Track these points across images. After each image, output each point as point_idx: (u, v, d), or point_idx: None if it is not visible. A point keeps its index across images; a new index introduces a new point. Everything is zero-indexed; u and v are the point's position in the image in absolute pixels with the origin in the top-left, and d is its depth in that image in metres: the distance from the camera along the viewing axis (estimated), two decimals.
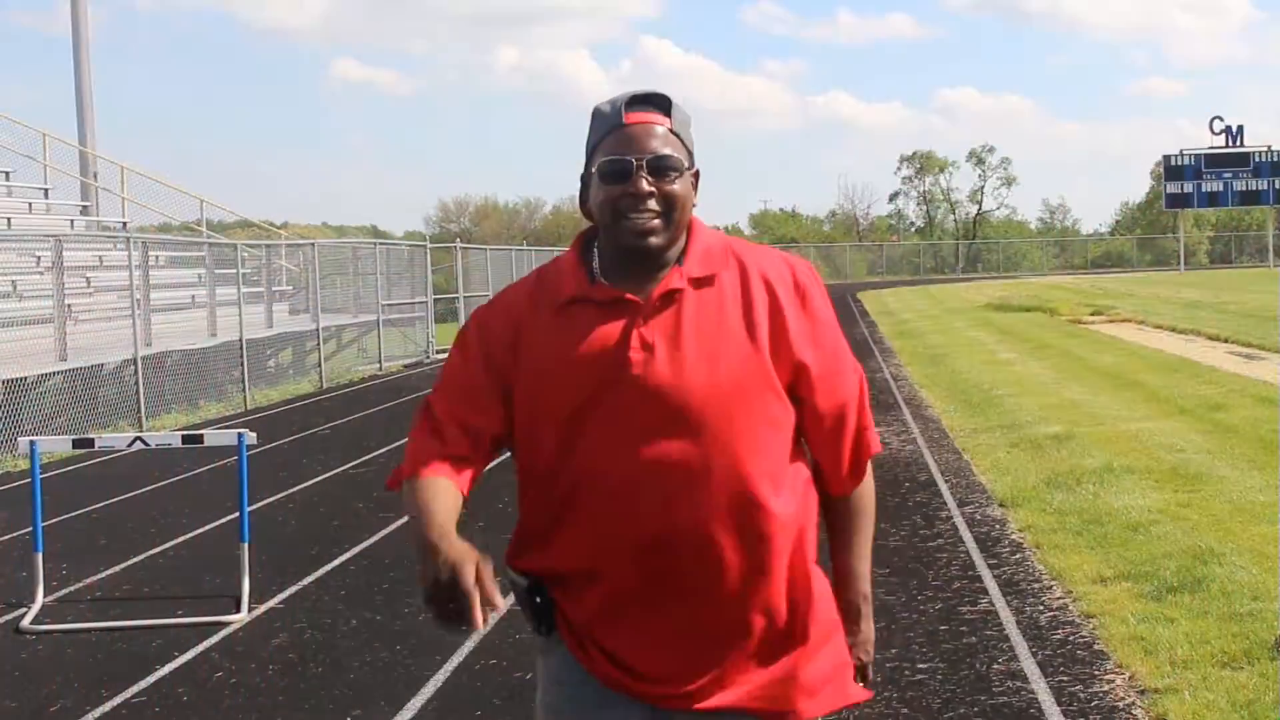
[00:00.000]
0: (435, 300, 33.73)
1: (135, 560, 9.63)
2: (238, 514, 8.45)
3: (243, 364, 21.61)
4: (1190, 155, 75.91)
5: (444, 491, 2.80)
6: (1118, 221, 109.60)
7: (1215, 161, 75.33)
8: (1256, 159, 75.44)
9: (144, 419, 18.21)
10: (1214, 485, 10.38)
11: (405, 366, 28.49)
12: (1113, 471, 11.05)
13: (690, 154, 2.83)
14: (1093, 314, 34.81)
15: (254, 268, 27.15)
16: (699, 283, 2.78)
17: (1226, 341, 24.07)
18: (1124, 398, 16.51)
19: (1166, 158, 77.25)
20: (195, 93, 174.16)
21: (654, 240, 2.74)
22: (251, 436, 8.30)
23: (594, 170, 2.80)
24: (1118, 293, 46.50)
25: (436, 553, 2.61)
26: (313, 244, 28.27)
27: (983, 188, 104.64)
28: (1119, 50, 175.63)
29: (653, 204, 2.73)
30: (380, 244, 31.53)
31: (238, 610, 8.03)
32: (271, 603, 8.27)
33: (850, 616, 2.96)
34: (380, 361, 28.11)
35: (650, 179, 2.73)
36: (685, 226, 2.82)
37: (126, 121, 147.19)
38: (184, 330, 21.63)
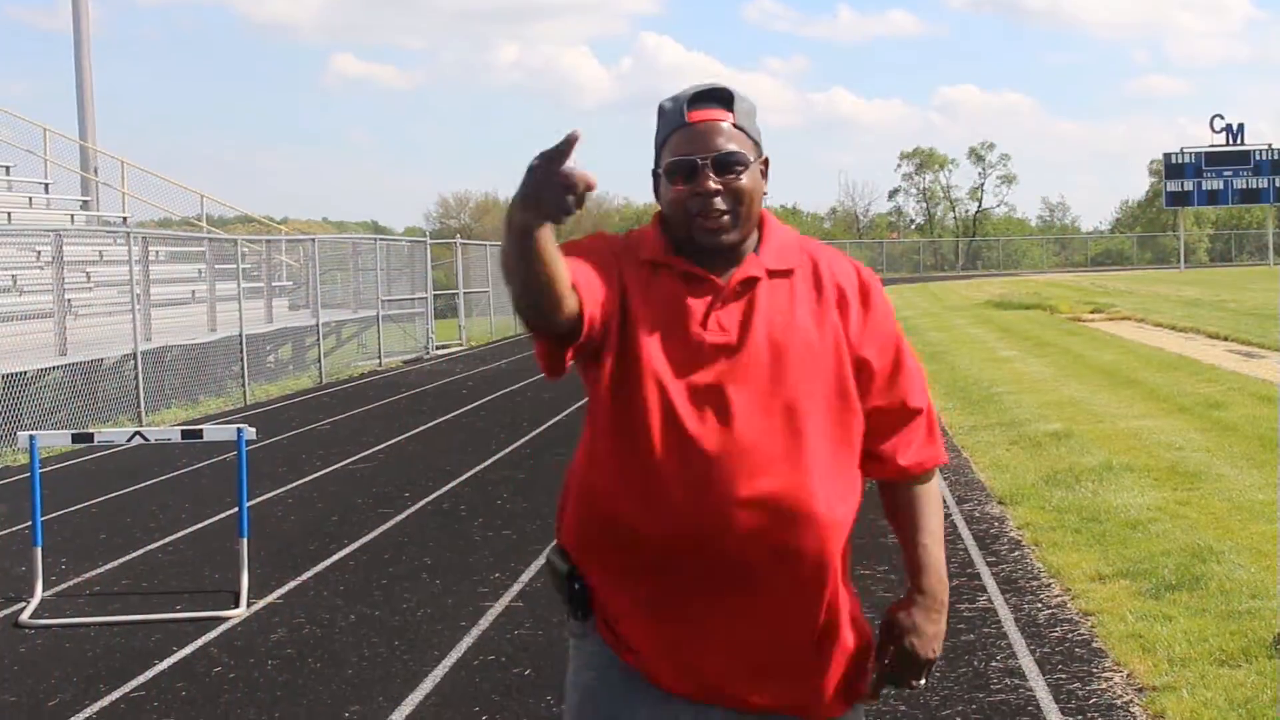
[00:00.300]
0: (435, 296, 33.72)
1: (134, 555, 9.63)
2: (237, 509, 8.45)
3: (242, 359, 21.62)
4: (1190, 153, 75.88)
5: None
6: (1118, 219, 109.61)
7: (1216, 160, 75.29)
8: (1257, 157, 75.41)
9: (144, 414, 18.21)
10: (1213, 483, 10.38)
11: (405, 362, 28.48)
12: (1112, 469, 11.06)
13: (757, 144, 2.83)
14: (1093, 312, 34.81)
15: (254, 263, 27.16)
16: (775, 274, 2.80)
17: (1226, 340, 24.07)
18: (1123, 395, 16.51)
19: (1167, 155, 77.24)
20: (196, 87, 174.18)
21: (725, 237, 2.77)
22: (251, 432, 8.30)
23: (661, 170, 2.82)
24: (1118, 290, 46.48)
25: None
26: (313, 239, 28.29)
27: (983, 185, 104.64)
28: (1119, 48, 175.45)
29: (720, 202, 2.75)
30: (380, 240, 31.57)
31: (236, 605, 8.04)
32: (270, 598, 8.27)
33: (929, 605, 2.89)
34: (380, 357, 28.10)
35: (716, 177, 2.74)
36: (756, 218, 2.83)
37: (127, 116, 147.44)
38: (184, 325, 21.65)
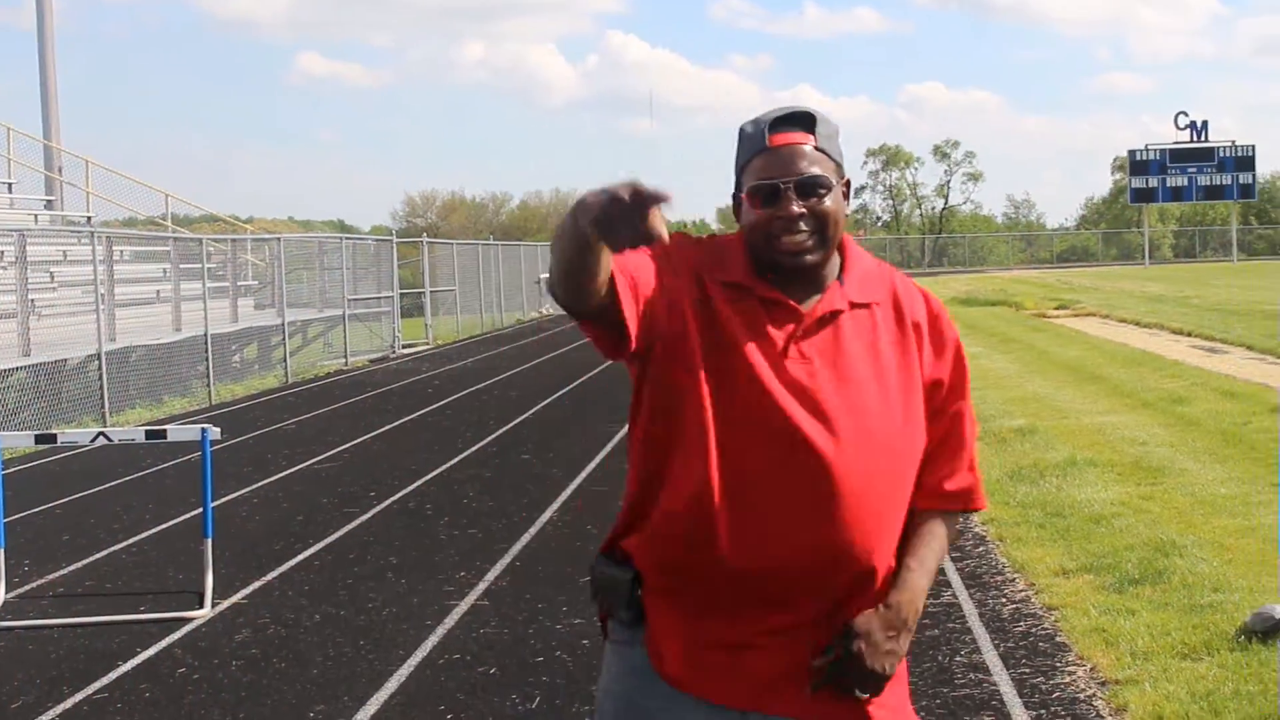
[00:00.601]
0: (401, 295, 33.63)
1: (98, 556, 9.59)
2: (201, 509, 8.42)
3: (208, 359, 21.53)
4: (1155, 150, 76.27)
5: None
6: (1083, 216, 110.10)
7: (1180, 156, 75.68)
8: (1221, 154, 75.84)
9: (108, 414, 18.12)
10: (1176, 478, 10.44)
11: (371, 361, 28.40)
12: (1076, 465, 11.10)
13: (839, 166, 2.83)
14: (1057, 308, 34.97)
15: (219, 262, 27.05)
16: (857, 306, 2.80)
17: (1190, 335, 24.20)
18: (1087, 391, 16.59)
19: (1131, 152, 77.56)
20: (161, 86, 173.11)
21: (809, 259, 2.76)
22: (215, 432, 8.27)
23: (744, 194, 2.80)
24: (1082, 287, 46.68)
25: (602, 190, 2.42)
26: (278, 238, 28.20)
27: (949, 182, 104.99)
28: (1084, 45, 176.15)
29: (804, 225, 2.74)
30: (346, 238, 31.51)
31: (201, 606, 8.01)
32: (235, 598, 8.24)
33: (889, 619, 2.78)
34: (346, 356, 28.02)
35: (800, 201, 2.73)
36: (838, 240, 2.82)
37: (91, 115, 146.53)
38: (148, 325, 21.55)
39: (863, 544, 2.72)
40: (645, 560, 2.83)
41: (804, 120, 2.80)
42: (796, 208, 2.72)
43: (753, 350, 2.74)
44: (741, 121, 2.88)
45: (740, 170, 2.83)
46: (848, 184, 2.84)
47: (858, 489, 2.70)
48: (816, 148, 2.78)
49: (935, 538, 2.87)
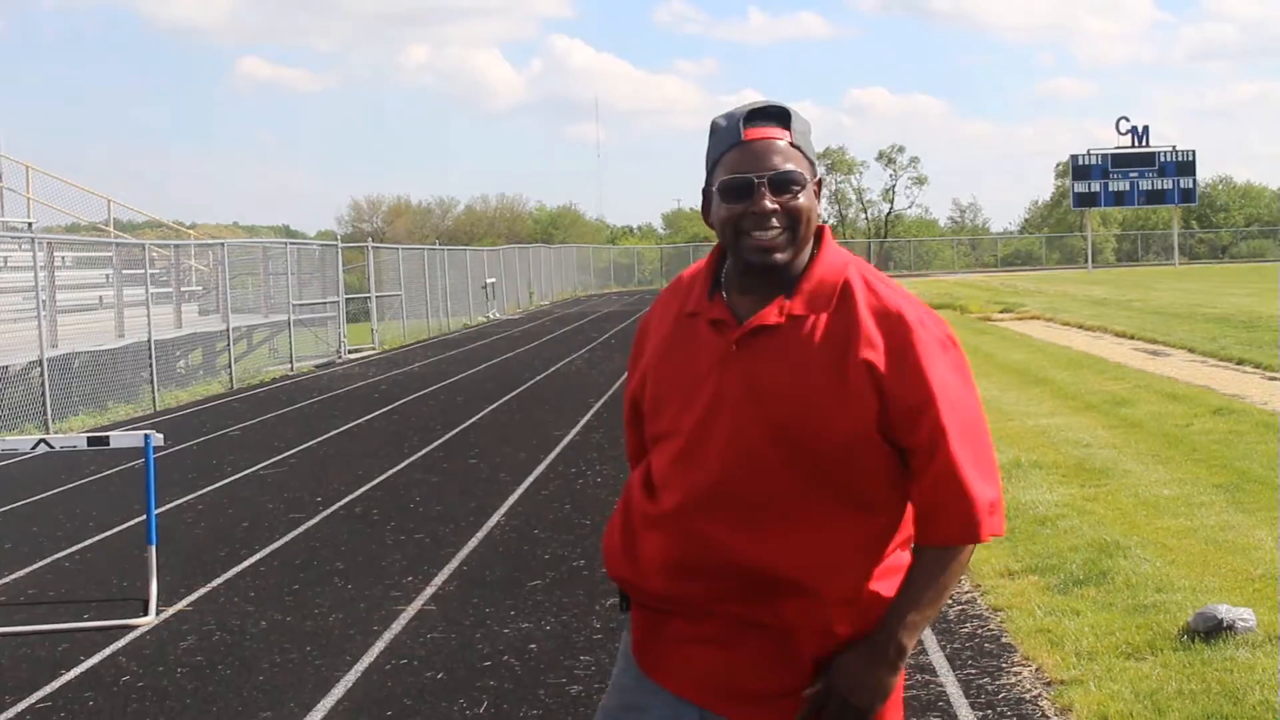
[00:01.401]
0: (347, 300, 33.52)
1: (41, 564, 9.49)
2: (145, 516, 8.35)
3: (151, 365, 21.38)
4: (1097, 155, 76.94)
5: None
6: (1026, 220, 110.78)
7: (1121, 161, 76.41)
8: (1162, 159, 76.58)
9: (50, 421, 17.97)
10: (1119, 480, 10.52)
11: (316, 367, 28.26)
12: (1020, 466, 11.18)
13: (812, 164, 2.79)
14: (1002, 311, 35.19)
15: (163, 268, 26.87)
16: (795, 321, 2.71)
17: (1133, 338, 24.41)
18: (1032, 394, 16.69)
19: (1074, 157, 78.20)
20: (103, 91, 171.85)
21: (778, 256, 2.71)
22: (158, 438, 8.21)
23: (715, 188, 2.76)
24: (1027, 290, 46.98)
25: None
26: (222, 244, 28.05)
27: (894, 187, 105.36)
28: (1027, 50, 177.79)
29: (776, 221, 2.70)
30: (291, 244, 31.28)
31: (145, 613, 7.95)
32: (180, 605, 8.18)
33: (871, 654, 2.72)
34: (291, 362, 27.88)
35: (774, 196, 2.69)
36: (810, 239, 2.77)
37: (33, 121, 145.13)
38: (91, 331, 21.36)
39: (760, 553, 2.69)
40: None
41: (779, 115, 2.77)
42: (769, 203, 2.69)
43: (679, 373, 2.79)
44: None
45: (712, 165, 2.79)
46: (819, 183, 2.80)
47: (759, 500, 2.68)
48: (791, 144, 2.75)
49: (913, 571, 2.75)
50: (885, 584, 2.75)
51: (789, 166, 2.71)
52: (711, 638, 2.75)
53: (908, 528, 2.79)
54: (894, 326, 2.69)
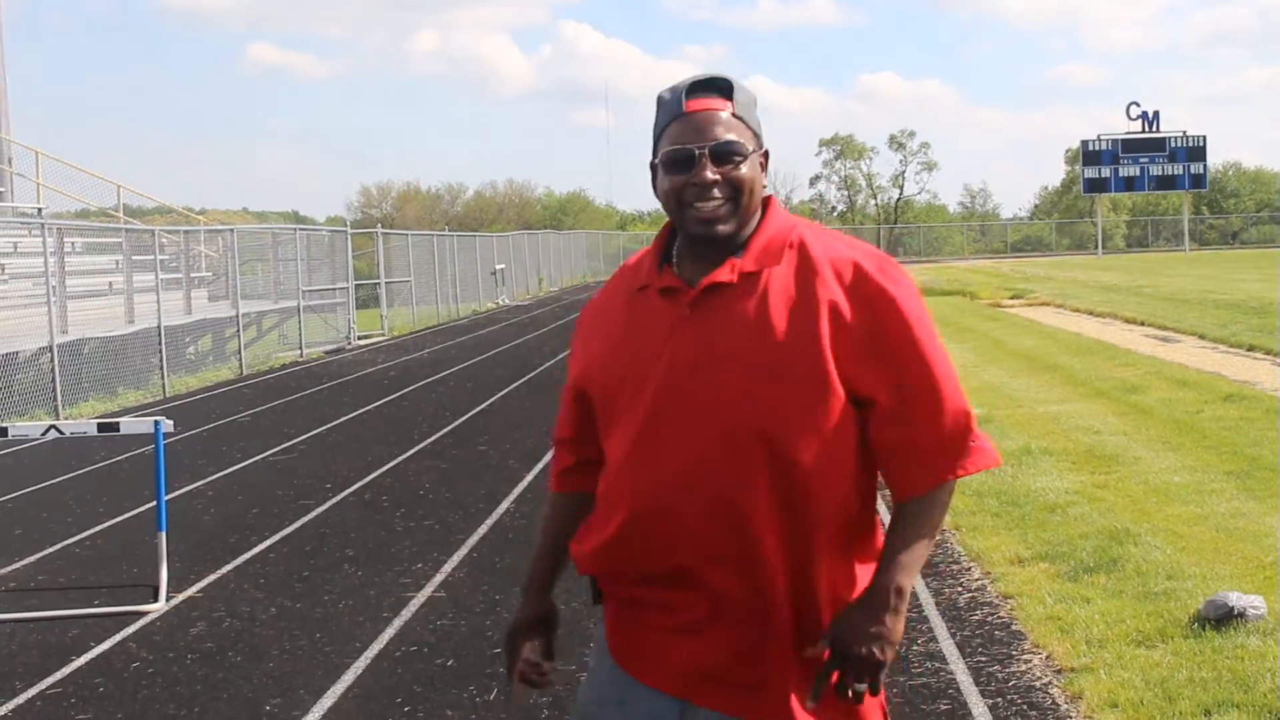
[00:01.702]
0: (357, 286, 33.53)
1: (51, 550, 9.51)
2: (155, 503, 8.36)
3: (161, 351, 21.40)
4: (1107, 140, 76.83)
5: (559, 514, 3.08)
6: (1036, 206, 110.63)
7: (1131, 147, 76.31)
8: (1172, 144, 76.48)
9: (60, 407, 17.99)
10: (1129, 466, 10.51)
11: (326, 353, 28.28)
12: (1031, 453, 11.16)
13: (757, 135, 2.77)
14: (1012, 297, 35.18)
15: (172, 254, 26.89)
16: (749, 278, 2.69)
17: (1143, 325, 24.39)
18: (1042, 380, 16.67)
19: (1084, 143, 78.11)
20: (113, 77, 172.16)
21: (721, 228, 2.70)
22: (168, 424, 8.22)
23: (659, 160, 2.76)
24: (1037, 276, 46.95)
25: (516, 612, 3.13)
26: (232, 230, 28.03)
27: (904, 172, 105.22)
28: (1037, 36, 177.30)
29: (718, 192, 2.68)
30: (301, 230, 31.34)
31: (155, 600, 7.96)
32: (190, 592, 8.19)
33: (870, 603, 2.73)
34: (301, 348, 27.90)
35: (715, 166, 2.68)
36: (754, 210, 2.76)
37: (42, 106, 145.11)
38: (101, 317, 21.39)
39: (716, 527, 2.65)
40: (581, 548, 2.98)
41: (721, 86, 2.75)
42: (710, 174, 2.67)
43: (630, 344, 2.77)
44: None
45: (656, 138, 2.78)
46: (765, 155, 2.78)
47: (711, 465, 2.64)
48: (734, 114, 2.73)
49: (912, 516, 2.78)
50: (862, 552, 2.79)
51: (730, 137, 2.70)
52: (686, 628, 2.73)
53: (874, 490, 2.81)
54: (854, 270, 2.70)
